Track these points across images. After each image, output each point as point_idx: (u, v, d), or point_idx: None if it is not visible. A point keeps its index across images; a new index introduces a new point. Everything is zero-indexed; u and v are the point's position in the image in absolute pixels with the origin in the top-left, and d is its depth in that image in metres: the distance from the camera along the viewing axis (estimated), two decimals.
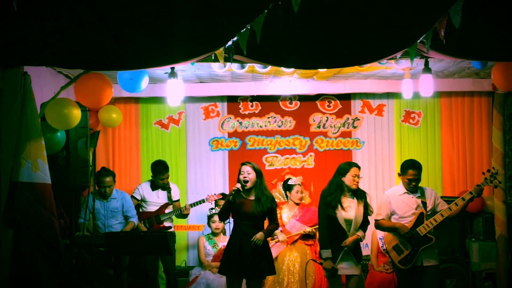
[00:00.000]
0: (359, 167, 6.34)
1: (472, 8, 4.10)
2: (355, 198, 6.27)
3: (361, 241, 6.29)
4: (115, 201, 7.58)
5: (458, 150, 8.58)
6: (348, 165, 6.34)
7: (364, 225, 6.29)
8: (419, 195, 6.30)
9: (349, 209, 6.23)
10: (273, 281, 7.25)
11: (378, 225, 6.48)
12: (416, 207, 6.25)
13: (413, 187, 6.28)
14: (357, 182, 6.27)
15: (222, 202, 7.42)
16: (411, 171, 6.24)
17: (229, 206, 6.21)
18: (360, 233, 6.22)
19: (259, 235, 6.16)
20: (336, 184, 6.27)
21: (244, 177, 6.26)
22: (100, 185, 7.49)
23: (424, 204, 6.24)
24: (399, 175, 6.41)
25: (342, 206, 6.20)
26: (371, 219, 6.47)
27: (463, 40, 4.63)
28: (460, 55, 5.23)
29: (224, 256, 6.28)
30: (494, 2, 4.23)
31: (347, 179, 6.24)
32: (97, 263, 7.08)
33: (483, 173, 6.23)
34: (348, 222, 6.19)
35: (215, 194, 7.94)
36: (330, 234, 6.21)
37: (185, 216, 7.99)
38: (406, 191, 6.32)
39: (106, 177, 7.49)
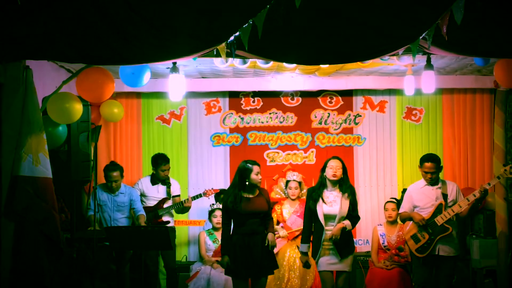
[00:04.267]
0: (339, 159, 6.40)
1: (474, 5, 4.09)
2: (341, 193, 6.28)
3: (347, 230, 6.23)
4: (123, 196, 7.60)
5: (460, 147, 8.57)
6: (328, 160, 6.45)
7: (352, 218, 6.28)
8: (440, 186, 6.53)
9: (334, 204, 6.25)
10: (274, 277, 7.25)
11: (400, 217, 6.85)
12: (436, 199, 6.50)
13: (431, 179, 6.52)
14: (336, 174, 6.28)
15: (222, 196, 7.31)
16: (426, 164, 6.52)
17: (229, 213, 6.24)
18: (346, 221, 6.21)
19: (271, 236, 6.21)
20: (320, 180, 6.40)
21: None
22: (107, 179, 7.52)
23: (445, 196, 6.49)
24: (419, 167, 6.67)
25: (324, 201, 6.26)
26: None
27: (465, 36, 4.63)
28: (462, 52, 5.22)
29: (227, 257, 6.16)
30: None
31: (327, 172, 6.34)
32: (99, 258, 7.11)
33: (504, 165, 6.36)
34: (332, 216, 6.23)
35: (212, 188, 7.93)
36: (312, 229, 6.33)
37: (186, 209, 7.97)
38: (426, 183, 6.57)
39: (114, 171, 7.51)
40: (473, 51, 5.18)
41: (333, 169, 6.30)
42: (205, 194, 7.85)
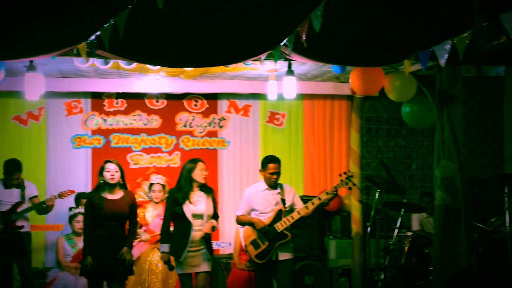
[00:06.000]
0: (202, 161, 6.50)
1: (331, 14, 4.26)
2: (204, 193, 6.41)
3: (214, 229, 6.43)
4: None
5: (319, 150, 8.83)
6: (194, 162, 6.48)
7: (214, 216, 6.45)
8: (279, 191, 6.50)
9: (199, 203, 6.35)
10: (135, 282, 7.14)
11: (238, 220, 6.64)
12: (275, 204, 6.45)
13: (274, 180, 6.47)
14: (206, 175, 6.43)
15: (84, 201, 7.10)
16: (271, 165, 6.44)
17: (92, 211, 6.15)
18: (214, 221, 6.39)
19: (125, 250, 6.17)
20: (186, 181, 6.38)
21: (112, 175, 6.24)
22: None
23: (283, 201, 6.45)
24: (260, 171, 6.58)
25: (190, 201, 6.31)
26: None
27: (323, 44, 4.80)
28: (320, 59, 5.44)
29: (89, 258, 6.08)
30: (351, 10, 4.41)
31: (196, 174, 6.37)
32: None
33: (340, 175, 6.51)
34: (199, 216, 6.32)
35: (68, 190, 7.61)
36: (176, 230, 6.35)
37: (49, 208, 7.53)
38: (267, 187, 6.50)
39: None
40: (330, 58, 5.42)
41: (204, 173, 6.41)
42: (60, 196, 7.48)
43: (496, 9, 3.72)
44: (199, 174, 6.38)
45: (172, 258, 6.32)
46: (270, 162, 6.47)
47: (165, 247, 6.30)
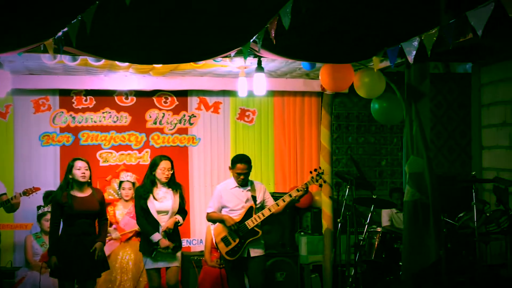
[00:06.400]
0: (168, 159, 6.54)
1: (300, 11, 4.26)
2: (171, 189, 6.47)
3: (180, 224, 6.50)
4: None
5: (290, 147, 8.86)
6: (158, 159, 6.52)
7: (181, 212, 6.52)
8: (249, 188, 6.52)
9: (165, 200, 6.43)
10: (105, 280, 7.09)
11: (208, 217, 6.68)
12: (246, 201, 6.48)
13: (242, 180, 6.49)
14: (168, 176, 6.46)
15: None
16: (239, 165, 6.46)
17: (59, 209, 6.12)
18: (178, 216, 6.46)
19: (99, 245, 6.17)
20: (149, 179, 6.47)
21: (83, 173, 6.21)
22: None
23: (254, 198, 6.48)
24: (230, 168, 6.60)
25: (154, 198, 6.38)
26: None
27: (293, 41, 4.81)
28: (289, 56, 5.44)
29: (54, 258, 6.07)
30: (320, 6, 4.42)
31: (158, 173, 6.43)
32: None
33: (310, 172, 6.55)
34: (165, 212, 6.42)
35: (33, 187, 7.45)
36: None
37: (16, 207, 7.40)
38: (237, 185, 6.52)
39: None
40: (300, 55, 5.42)
41: (165, 171, 6.42)
42: (25, 193, 7.33)
43: (462, 6, 3.77)
44: (160, 173, 6.44)
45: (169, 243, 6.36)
46: (239, 162, 6.49)
47: (157, 235, 6.32)
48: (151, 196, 6.38)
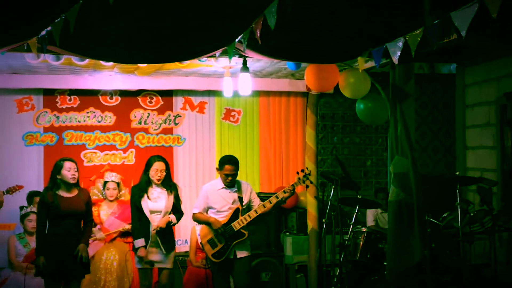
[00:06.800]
0: (162, 160, 6.56)
1: (285, 10, 4.26)
2: (165, 190, 6.51)
3: (173, 224, 6.56)
4: None
5: (275, 147, 8.86)
6: (153, 160, 6.57)
7: (176, 212, 6.56)
8: (236, 189, 6.50)
9: (159, 200, 6.47)
10: (90, 281, 7.05)
11: (195, 218, 6.66)
12: (233, 202, 6.47)
13: (230, 182, 6.46)
14: (161, 177, 6.50)
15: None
16: (227, 166, 6.43)
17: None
18: (172, 216, 6.49)
19: (82, 247, 6.14)
20: (144, 178, 6.53)
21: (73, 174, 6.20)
22: None
23: (241, 199, 6.47)
24: (217, 169, 6.58)
25: (148, 197, 6.43)
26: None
27: (278, 41, 4.80)
28: (274, 56, 5.44)
29: (42, 258, 6.02)
30: (305, 6, 4.42)
31: (151, 174, 6.49)
32: None
33: (297, 173, 6.55)
34: (158, 212, 6.45)
35: (16, 185, 7.37)
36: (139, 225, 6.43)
37: None
38: (224, 186, 6.49)
39: None
40: (285, 55, 5.42)
41: (157, 173, 6.47)
42: (8, 191, 7.25)
43: (447, 7, 3.78)
44: (153, 174, 6.50)
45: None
46: (227, 164, 6.45)
47: (140, 242, 6.37)
48: (145, 196, 6.45)
